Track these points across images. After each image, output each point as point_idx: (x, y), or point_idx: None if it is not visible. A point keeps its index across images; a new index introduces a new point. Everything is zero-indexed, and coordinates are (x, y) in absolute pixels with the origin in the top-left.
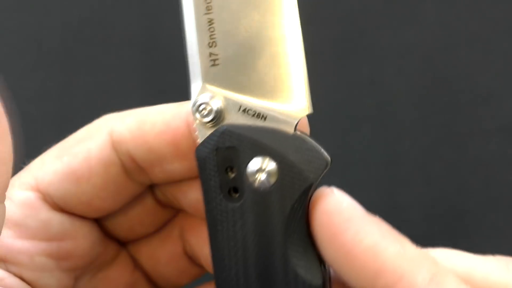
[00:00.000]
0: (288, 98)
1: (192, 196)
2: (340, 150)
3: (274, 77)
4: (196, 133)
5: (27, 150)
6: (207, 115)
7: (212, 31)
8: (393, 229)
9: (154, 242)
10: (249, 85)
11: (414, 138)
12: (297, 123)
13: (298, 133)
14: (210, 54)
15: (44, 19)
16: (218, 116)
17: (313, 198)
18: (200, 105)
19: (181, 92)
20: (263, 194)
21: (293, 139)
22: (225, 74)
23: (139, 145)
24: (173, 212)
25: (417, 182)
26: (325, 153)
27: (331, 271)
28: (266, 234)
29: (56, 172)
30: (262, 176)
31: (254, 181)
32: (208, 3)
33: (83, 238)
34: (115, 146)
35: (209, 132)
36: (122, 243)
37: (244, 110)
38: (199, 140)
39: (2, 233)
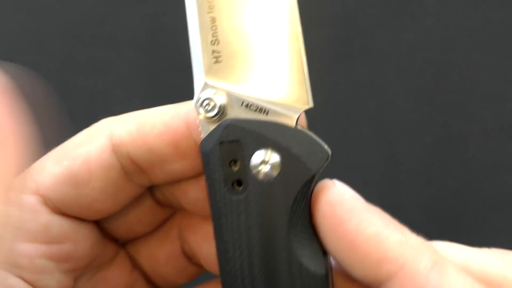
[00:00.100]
0: (289, 93)
1: (192, 194)
2: (340, 150)
3: (275, 73)
4: (200, 128)
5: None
6: (211, 110)
7: (214, 29)
8: (394, 219)
9: (152, 242)
10: (251, 81)
11: (414, 138)
12: (299, 117)
13: (300, 126)
14: (213, 51)
15: (44, 19)
16: (221, 111)
17: (315, 190)
18: (204, 100)
19: (181, 92)
20: (266, 186)
21: (295, 132)
22: (228, 71)
23: (139, 147)
24: (172, 211)
25: (417, 182)
26: (326, 146)
27: (333, 262)
28: (270, 225)
29: (56, 176)
30: (265, 168)
31: (258, 173)
32: (210, 2)
33: (82, 240)
34: (115, 149)
35: (212, 127)
36: (121, 243)
37: (246, 105)
38: (203, 136)
39: (2, 236)
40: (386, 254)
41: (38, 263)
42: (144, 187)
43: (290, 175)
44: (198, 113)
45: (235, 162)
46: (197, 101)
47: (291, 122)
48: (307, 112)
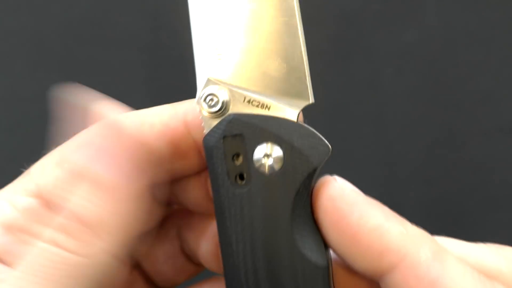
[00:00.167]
0: (290, 88)
1: (192, 192)
2: (340, 150)
3: (276, 70)
4: (202, 124)
5: (27, 150)
6: (214, 105)
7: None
8: (393, 212)
9: (151, 240)
10: (252, 78)
11: (414, 138)
12: (300, 112)
13: (301, 122)
14: (215, 49)
15: (44, 19)
16: (224, 107)
17: (316, 185)
18: (207, 96)
19: (181, 92)
20: (269, 179)
21: (297, 127)
22: (230, 68)
23: (139, 147)
24: (170, 210)
25: (417, 182)
26: (326, 141)
27: (333, 256)
28: (272, 218)
29: (57, 178)
30: (268, 162)
31: (261, 166)
32: (213, 1)
33: None
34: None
35: (215, 122)
36: None
37: (248, 101)
38: (205, 131)
39: (4, 238)
40: (388, 245)
41: None
42: (144, 186)
43: (293, 168)
44: (202, 109)
45: (238, 156)
46: (201, 97)
47: (293, 117)
48: (309, 111)
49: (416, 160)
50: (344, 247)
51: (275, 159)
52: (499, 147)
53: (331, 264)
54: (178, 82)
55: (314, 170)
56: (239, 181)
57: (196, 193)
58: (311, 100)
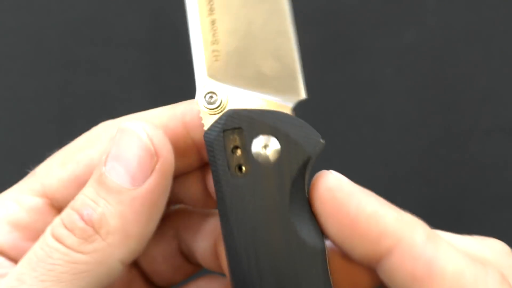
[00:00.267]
0: (284, 85)
1: (190, 188)
2: (340, 150)
3: (270, 69)
4: (202, 121)
5: (27, 150)
6: (213, 103)
7: (214, 30)
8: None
9: (150, 241)
10: (249, 76)
11: (414, 138)
12: (294, 106)
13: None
14: (213, 50)
15: (44, 19)
16: (223, 104)
17: (313, 179)
18: (207, 94)
19: (181, 92)
20: (267, 169)
21: (291, 119)
22: (227, 67)
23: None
24: (168, 210)
25: (417, 182)
26: (317, 132)
27: (328, 248)
28: (272, 205)
29: (61, 179)
30: (266, 152)
31: (259, 157)
32: (211, 5)
33: None
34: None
35: (214, 119)
36: None
37: (245, 98)
38: (205, 127)
39: (11, 235)
40: (385, 229)
41: None
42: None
43: (289, 158)
44: (201, 106)
45: (237, 148)
46: (200, 95)
47: (288, 111)
48: (309, 111)
49: (416, 160)
50: (343, 235)
51: (272, 150)
52: (499, 147)
53: (328, 253)
54: (178, 82)
55: (309, 158)
56: (239, 172)
57: (194, 189)
58: (304, 95)
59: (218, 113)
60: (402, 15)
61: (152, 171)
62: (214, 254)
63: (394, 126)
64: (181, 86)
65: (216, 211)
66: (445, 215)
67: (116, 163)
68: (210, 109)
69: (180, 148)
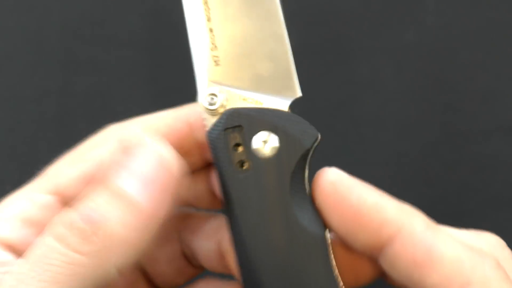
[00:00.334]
0: (281, 85)
1: (195, 187)
2: (340, 150)
3: (266, 70)
4: (204, 121)
5: (27, 150)
6: (214, 104)
7: (212, 37)
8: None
9: (153, 243)
10: (246, 78)
11: (414, 138)
12: (290, 104)
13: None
14: (212, 56)
15: (44, 19)
16: (223, 105)
17: (315, 175)
18: (208, 95)
19: (181, 92)
20: (267, 163)
21: (289, 116)
22: (227, 71)
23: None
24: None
25: (417, 182)
26: (313, 126)
27: (331, 239)
28: (274, 196)
29: (72, 177)
30: (266, 148)
31: (260, 152)
32: (207, 14)
33: None
34: (125, 152)
35: (216, 118)
36: None
37: (244, 99)
38: (208, 127)
39: (23, 231)
40: (386, 218)
41: None
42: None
43: (287, 152)
44: (203, 107)
45: (239, 145)
46: (202, 97)
47: (285, 108)
48: (308, 111)
49: (416, 160)
50: (346, 227)
51: (272, 145)
52: (499, 147)
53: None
54: (178, 82)
55: (307, 151)
56: (241, 168)
57: (198, 188)
58: (299, 93)
59: (219, 113)
60: (402, 15)
61: (166, 192)
62: (218, 254)
63: (394, 126)
64: (181, 86)
65: (218, 213)
66: (445, 215)
67: (133, 174)
68: (212, 110)
69: (185, 148)
